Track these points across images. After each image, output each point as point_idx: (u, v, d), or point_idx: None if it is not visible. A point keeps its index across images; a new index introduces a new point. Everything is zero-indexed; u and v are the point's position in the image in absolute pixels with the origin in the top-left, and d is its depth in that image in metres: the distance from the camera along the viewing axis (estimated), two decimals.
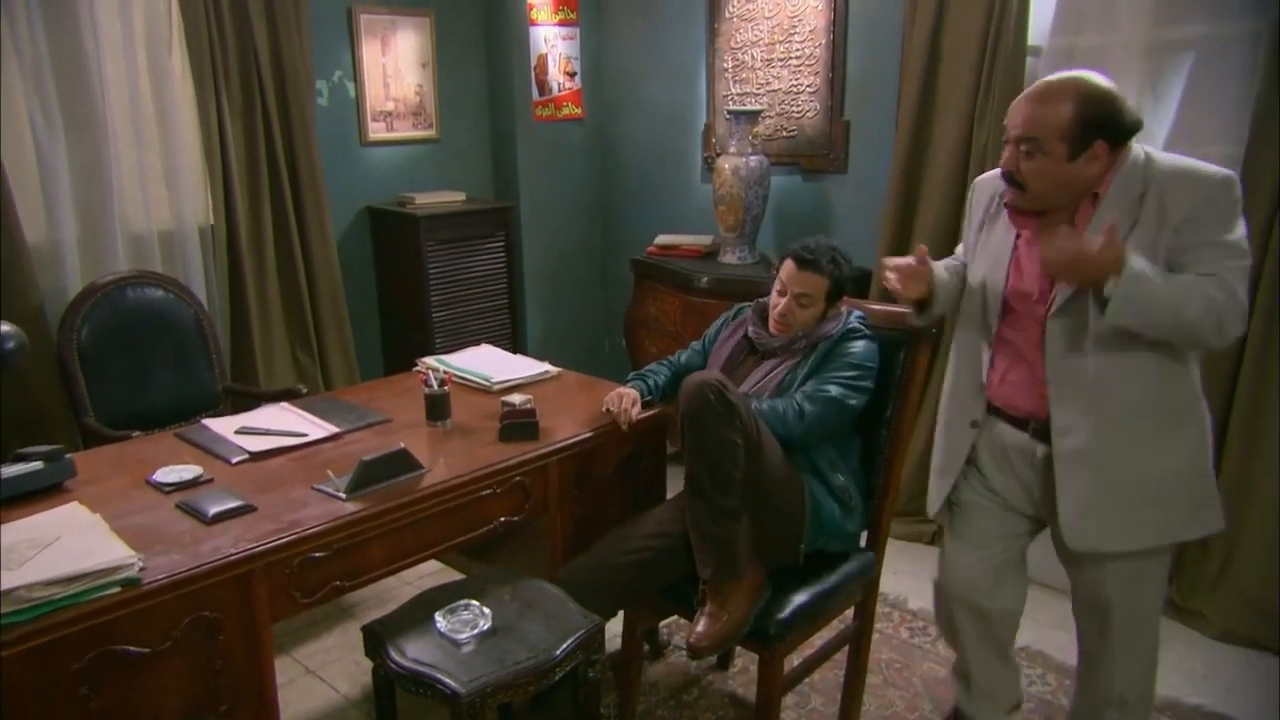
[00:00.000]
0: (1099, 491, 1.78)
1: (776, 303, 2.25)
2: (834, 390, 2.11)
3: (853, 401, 2.13)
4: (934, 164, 3.21)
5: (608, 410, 2.36)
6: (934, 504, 2.07)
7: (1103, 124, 1.64)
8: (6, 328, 1.83)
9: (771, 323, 2.27)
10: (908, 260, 1.93)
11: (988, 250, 1.91)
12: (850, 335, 2.18)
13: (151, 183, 3.27)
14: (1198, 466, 1.80)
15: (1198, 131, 2.71)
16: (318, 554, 1.85)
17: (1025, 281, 1.82)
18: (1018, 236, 1.84)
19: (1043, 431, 1.82)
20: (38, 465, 1.94)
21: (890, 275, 1.95)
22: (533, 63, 4.23)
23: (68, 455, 2.02)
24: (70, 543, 1.65)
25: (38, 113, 2.95)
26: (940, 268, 2.00)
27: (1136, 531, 1.79)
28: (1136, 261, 1.58)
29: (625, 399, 2.36)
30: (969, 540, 2.05)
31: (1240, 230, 1.64)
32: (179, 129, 3.27)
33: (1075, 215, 1.74)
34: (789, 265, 2.24)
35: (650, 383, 2.47)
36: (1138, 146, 1.70)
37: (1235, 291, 1.62)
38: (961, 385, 1.99)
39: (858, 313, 2.25)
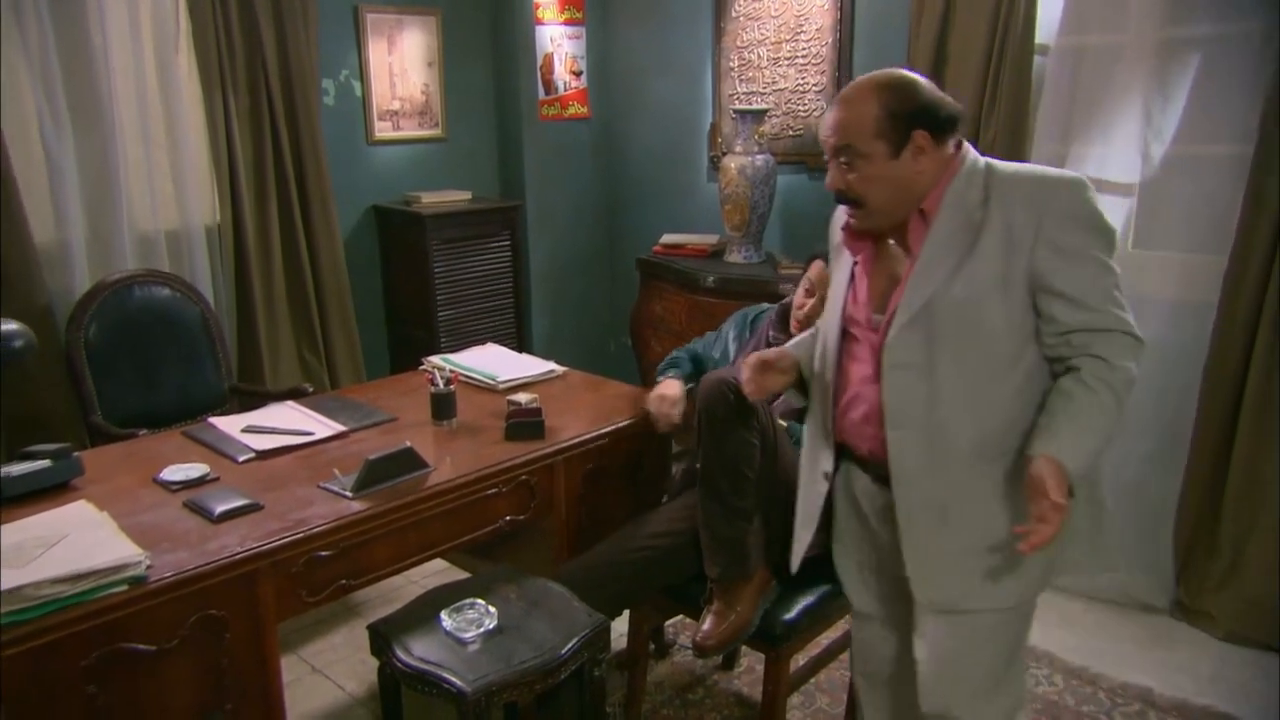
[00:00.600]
0: (950, 545, 1.57)
1: (803, 303, 2.23)
2: None
3: None
4: None
5: (650, 412, 2.31)
6: (794, 560, 1.86)
7: (915, 112, 1.51)
8: (14, 326, 1.83)
9: (793, 323, 2.25)
10: (744, 377, 1.79)
11: (835, 280, 1.76)
12: None
13: (158, 182, 3.27)
14: (1076, 509, 1.53)
15: (1206, 130, 2.70)
16: (324, 553, 1.85)
17: (860, 308, 1.66)
18: (855, 262, 1.69)
19: (884, 475, 1.62)
20: (45, 463, 1.95)
21: (748, 387, 1.79)
22: (539, 62, 4.23)
23: (75, 453, 2.02)
24: (77, 540, 1.66)
25: (46, 112, 2.96)
26: (802, 340, 1.87)
27: (1002, 587, 1.57)
28: (1067, 456, 1.43)
29: (666, 402, 2.30)
30: (859, 608, 1.83)
31: (1110, 243, 1.50)
32: (186, 128, 3.28)
33: (907, 234, 1.57)
34: (818, 265, 2.21)
35: (685, 371, 2.45)
36: (976, 154, 1.57)
37: (1126, 350, 1.46)
38: (814, 428, 1.78)
39: None
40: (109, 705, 1.59)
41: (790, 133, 3.77)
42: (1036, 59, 2.95)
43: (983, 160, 1.55)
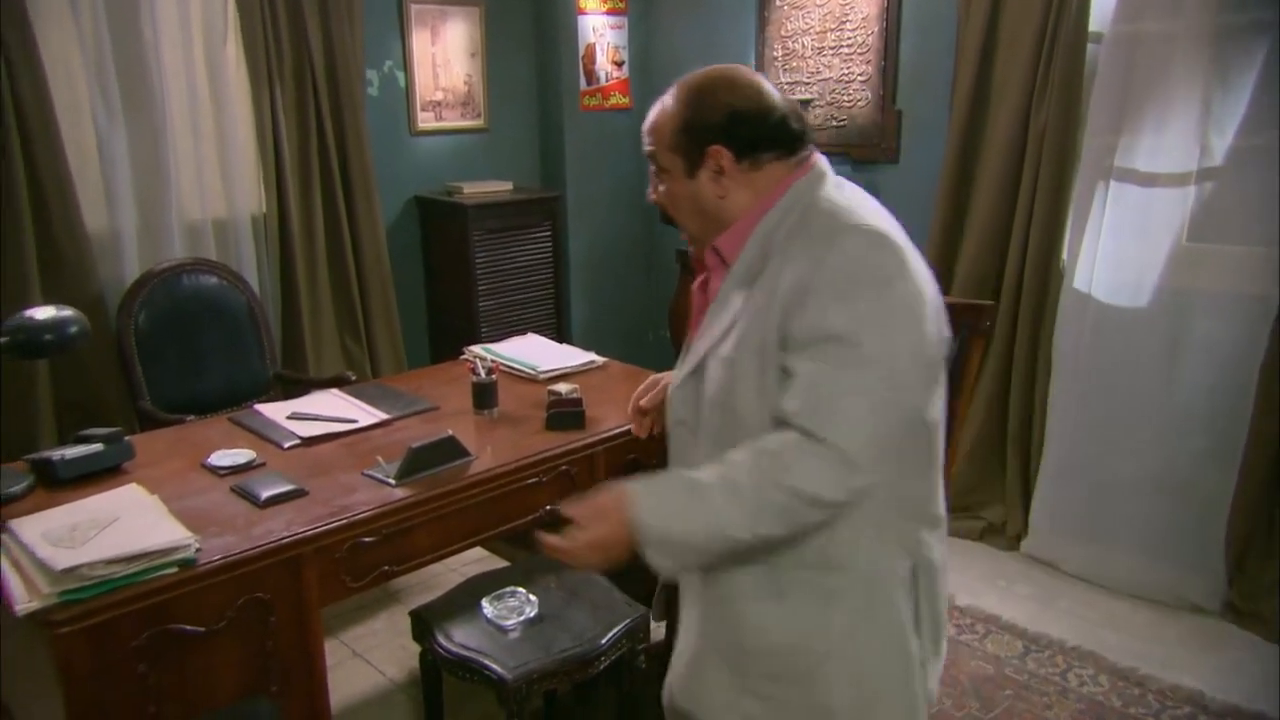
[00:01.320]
0: (705, 647, 1.34)
1: None
2: None
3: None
4: (988, 154, 3.15)
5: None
6: (654, 606, 1.65)
7: (713, 125, 1.24)
8: (70, 313, 1.86)
9: None
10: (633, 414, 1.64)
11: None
12: None
13: (207, 172, 3.32)
14: (841, 671, 1.24)
15: (1270, 119, 2.61)
16: (367, 539, 1.87)
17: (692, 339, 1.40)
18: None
19: None
20: (98, 447, 1.98)
21: (635, 428, 1.65)
22: (581, 52, 4.22)
23: (126, 438, 2.06)
24: (129, 523, 1.69)
25: (99, 104, 3.01)
26: None
27: (758, 716, 1.30)
28: (645, 505, 1.17)
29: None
30: None
31: (879, 318, 1.14)
32: (233, 119, 3.32)
33: (709, 275, 1.34)
34: None
35: None
36: (818, 180, 1.26)
37: (820, 468, 1.11)
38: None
39: None
40: (159, 684, 1.62)
41: (834, 123, 3.73)
42: (1090, 47, 2.89)
43: (822, 190, 1.25)
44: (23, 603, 1.49)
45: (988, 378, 3.20)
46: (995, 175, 3.11)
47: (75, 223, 2.95)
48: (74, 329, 1.87)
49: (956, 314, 2.17)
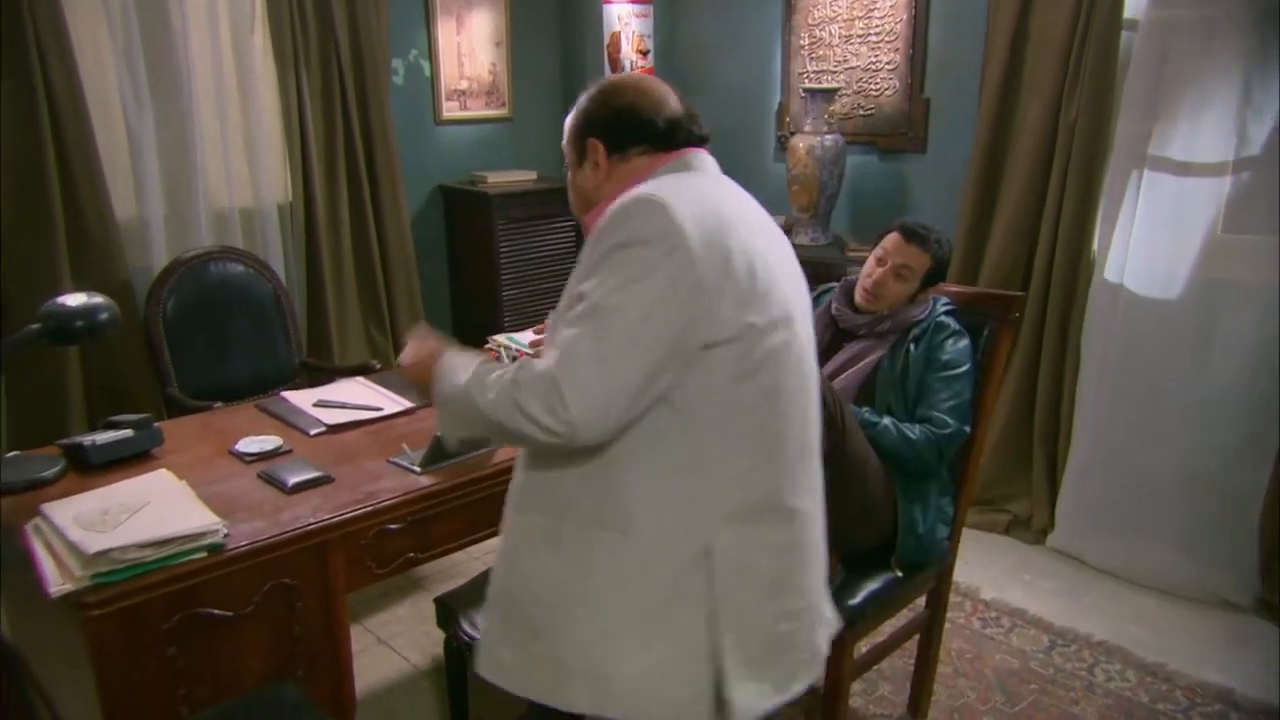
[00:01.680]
0: (492, 592, 1.43)
1: (872, 272, 2.17)
2: (953, 421, 2.02)
3: (968, 428, 2.06)
4: (1018, 144, 3.10)
5: None
6: None
7: (594, 122, 1.39)
8: (100, 300, 1.88)
9: (859, 291, 2.19)
10: None
11: None
12: (942, 331, 2.07)
13: (234, 160, 3.34)
14: (588, 633, 1.28)
15: None
16: (392, 526, 1.88)
17: None
18: None
19: None
20: (128, 433, 2.00)
21: None
22: (606, 41, 4.21)
23: (155, 424, 2.08)
24: (159, 508, 1.70)
25: (129, 91, 3.03)
26: None
27: (509, 667, 1.36)
28: (448, 361, 1.38)
29: None
30: None
31: (619, 281, 1.21)
32: (260, 107, 3.34)
33: None
34: (895, 236, 2.15)
35: None
36: (686, 166, 1.36)
37: (539, 390, 1.21)
38: None
39: (944, 299, 2.17)
40: (188, 667, 1.64)
41: (861, 112, 3.70)
42: (1124, 34, 2.84)
43: (669, 175, 1.35)
44: (56, 585, 1.51)
45: (1015, 369, 3.16)
46: (1025, 164, 3.07)
47: (105, 210, 2.98)
48: (105, 316, 1.88)
49: (984, 304, 2.17)
